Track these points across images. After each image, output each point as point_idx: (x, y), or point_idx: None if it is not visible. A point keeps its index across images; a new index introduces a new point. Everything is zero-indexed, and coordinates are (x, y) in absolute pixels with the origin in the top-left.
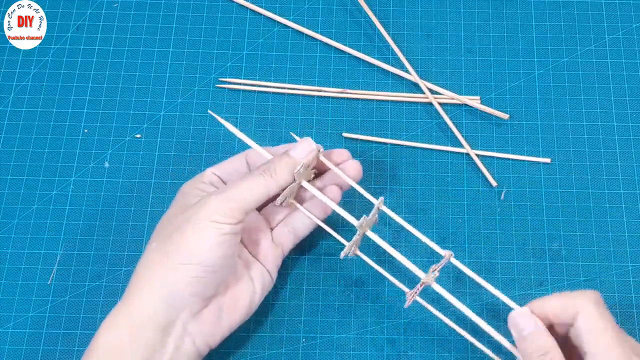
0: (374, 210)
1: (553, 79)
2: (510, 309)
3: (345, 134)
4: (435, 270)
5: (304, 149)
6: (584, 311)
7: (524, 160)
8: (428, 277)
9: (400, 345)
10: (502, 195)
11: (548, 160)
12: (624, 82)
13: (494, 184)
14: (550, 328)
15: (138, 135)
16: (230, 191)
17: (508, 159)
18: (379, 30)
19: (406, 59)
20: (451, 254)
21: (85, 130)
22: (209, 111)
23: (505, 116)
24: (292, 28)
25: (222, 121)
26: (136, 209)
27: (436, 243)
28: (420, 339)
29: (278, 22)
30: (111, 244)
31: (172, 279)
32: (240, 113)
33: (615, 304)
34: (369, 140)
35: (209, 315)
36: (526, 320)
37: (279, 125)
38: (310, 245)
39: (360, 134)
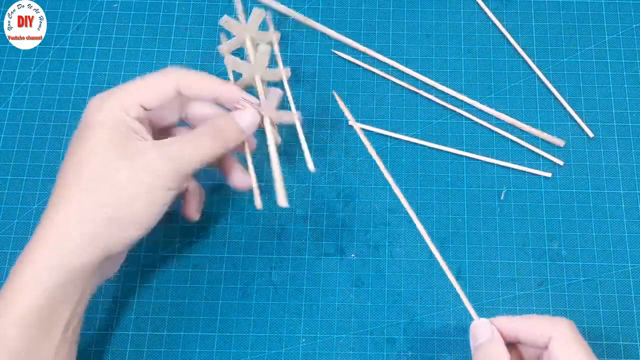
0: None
1: (553, 79)
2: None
3: (351, 123)
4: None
5: (251, 120)
6: (560, 336)
7: (525, 170)
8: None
9: (400, 345)
10: (502, 195)
11: (549, 174)
12: (624, 82)
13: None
14: (516, 347)
15: None
16: (177, 152)
17: (508, 161)
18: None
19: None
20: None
21: None
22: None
23: (561, 143)
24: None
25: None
26: None
27: (436, 243)
28: (420, 339)
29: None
30: None
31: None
32: None
33: (615, 304)
34: (371, 131)
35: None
36: (483, 330)
37: None
38: (310, 245)
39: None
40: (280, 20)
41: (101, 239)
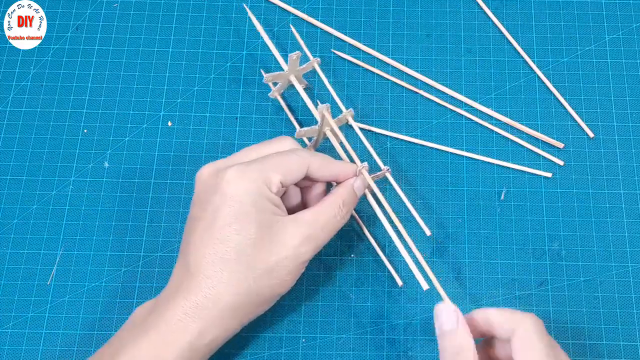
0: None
1: (553, 79)
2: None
3: (351, 122)
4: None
5: (363, 185)
6: (522, 332)
7: (525, 170)
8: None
9: (400, 346)
10: (502, 195)
11: (549, 174)
12: (624, 82)
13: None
14: (490, 340)
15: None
16: (314, 230)
17: (508, 161)
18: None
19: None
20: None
21: (85, 131)
22: (244, 5)
23: (561, 145)
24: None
25: (255, 21)
26: (136, 209)
27: (436, 243)
28: (420, 339)
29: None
30: (110, 244)
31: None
32: (240, 113)
33: (615, 304)
34: (371, 131)
35: None
36: (449, 317)
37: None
38: None
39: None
40: (280, 20)
41: (238, 315)
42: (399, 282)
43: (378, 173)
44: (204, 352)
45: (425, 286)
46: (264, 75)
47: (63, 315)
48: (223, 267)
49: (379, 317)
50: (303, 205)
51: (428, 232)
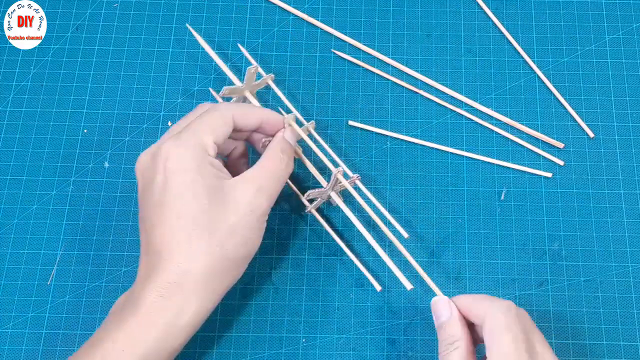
0: (332, 180)
1: (553, 79)
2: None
3: (351, 122)
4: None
5: (294, 135)
6: (490, 319)
7: (525, 170)
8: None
9: (400, 346)
10: (502, 195)
11: (549, 174)
12: (624, 82)
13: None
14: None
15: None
16: (264, 181)
17: (509, 161)
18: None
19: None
20: (340, 171)
21: (85, 131)
22: (187, 25)
23: (561, 145)
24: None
25: (198, 37)
26: (136, 209)
27: (436, 243)
28: (421, 339)
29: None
30: (111, 244)
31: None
32: None
33: (615, 304)
34: (371, 131)
35: None
36: (443, 308)
37: None
38: (310, 245)
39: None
40: (280, 20)
41: (212, 285)
42: (377, 287)
43: (349, 180)
44: (187, 332)
45: (409, 286)
46: (220, 92)
47: (63, 315)
48: (185, 240)
49: (379, 317)
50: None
51: (405, 235)
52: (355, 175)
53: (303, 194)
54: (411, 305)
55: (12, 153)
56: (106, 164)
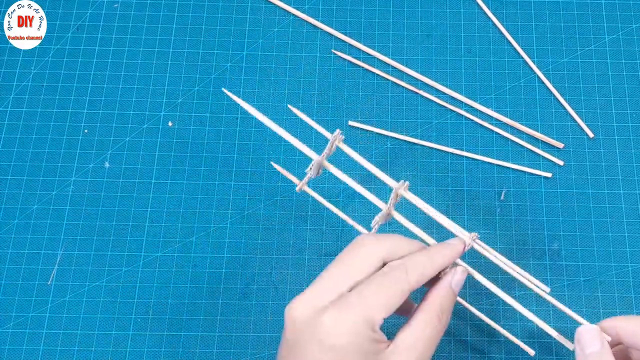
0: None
1: (553, 79)
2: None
3: (351, 123)
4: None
5: (462, 278)
6: None
7: (525, 170)
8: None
9: None
10: (502, 195)
11: (549, 174)
12: (624, 82)
13: None
14: (616, 347)
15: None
16: (417, 351)
17: (508, 161)
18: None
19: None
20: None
21: (86, 131)
22: (224, 89)
23: (561, 145)
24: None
25: (238, 100)
26: (136, 209)
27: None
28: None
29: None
30: (111, 244)
31: None
32: (241, 113)
33: (615, 304)
34: (371, 131)
35: None
36: (593, 340)
37: None
38: (310, 245)
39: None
40: (280, 20)
41: None
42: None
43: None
44: None
45: (531, 353)
46: (297, 183)
47: (63, 315)
48: None
49: None
50: None
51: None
52: (474, 234)
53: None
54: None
55: (12, 153)
56: (107, 164)
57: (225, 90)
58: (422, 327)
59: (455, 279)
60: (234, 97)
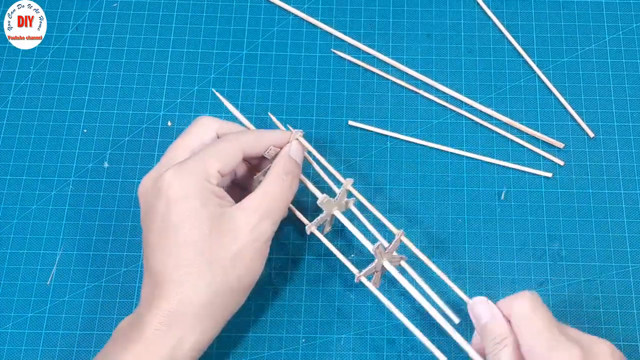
0: (341, 192)
1: (553, 79)
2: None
3: (351, 122)
4: (388, 251)
5: (299, 149)
6: (517, 312)
7: (525, 170)
8: (379, 254)
9: (400, 346)
10: (502, 195)
11: (549, 174)
12: (624, 82)
13: None
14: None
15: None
16: (266, 205)
17: (508, 161)
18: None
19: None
20: (402, 233)
21: (85, 130)
22: (213, 89)
23: (561, 145)
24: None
25: (224, 100)
26: (136, 210)
27: (436, 243)
28: (420, 340)
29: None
30: (110, 244)
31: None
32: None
33: (616, 304)
34: (371, 131)
35: None
36: (483, 309)
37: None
38: (310, 245)
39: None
40: (280, 20)
41: (214, 314)
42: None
43: (393, 242)
44: (191, 357)
45: (456, 320)
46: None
47: (63, 315)
48: (187, 269)
49: (379, 317)
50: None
51: (456, 320)
52: (400, 231)
53: (306, 214)
54: (411, 306)
55: (11, 153)
56: (106, 164)
57: (214, 91)
58: (266, 185)
59: (292, 148)
60: (220, 97)
